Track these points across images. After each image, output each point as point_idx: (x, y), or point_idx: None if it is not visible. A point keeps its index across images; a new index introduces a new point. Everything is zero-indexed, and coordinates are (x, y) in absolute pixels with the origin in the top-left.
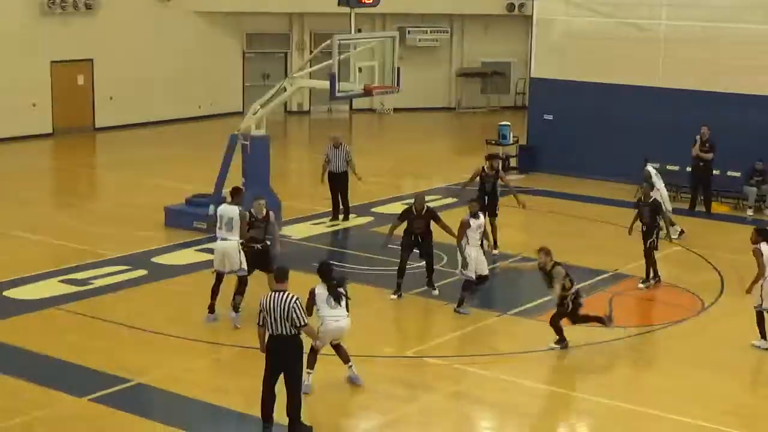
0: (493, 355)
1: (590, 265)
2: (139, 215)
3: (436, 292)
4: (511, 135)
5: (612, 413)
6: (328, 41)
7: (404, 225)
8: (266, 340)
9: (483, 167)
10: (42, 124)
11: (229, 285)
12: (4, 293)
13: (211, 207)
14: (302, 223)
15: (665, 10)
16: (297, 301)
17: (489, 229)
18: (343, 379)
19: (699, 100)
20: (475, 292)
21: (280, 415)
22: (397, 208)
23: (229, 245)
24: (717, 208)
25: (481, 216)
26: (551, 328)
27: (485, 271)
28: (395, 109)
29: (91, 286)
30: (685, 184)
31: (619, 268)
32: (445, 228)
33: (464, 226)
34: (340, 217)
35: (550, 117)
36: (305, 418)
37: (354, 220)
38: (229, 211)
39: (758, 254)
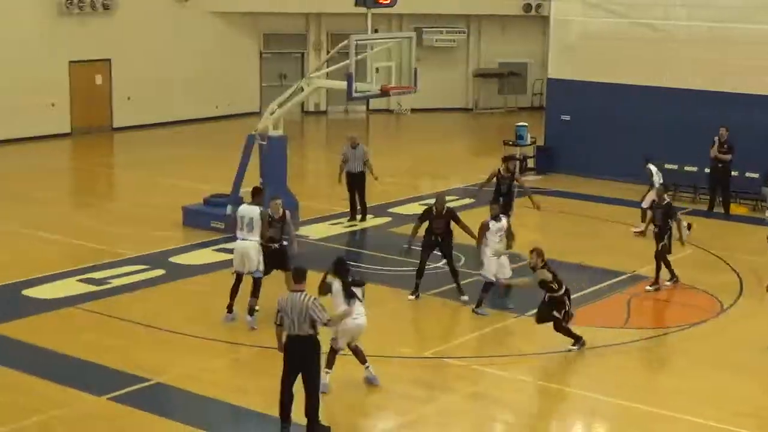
0: (511, 356)
1: (607, 266)
2: (156, 215)
3: (466, 297)
4: (528, 136)
5: (628, 415)
6: (345, 41)
7: (426, 225)
8: (284, 340)
9: (499, 169)
10: (60, 123)
11: (248, 285)
12: (23, 292)
13: (229, 207)
14: (320, 224)
15: (682, 11)
16: (315, 301)
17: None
18: (361, 379)
19: (716, 101)
20: (508, 294)
21: (298, 415)
22: (415, 208)
23: (249, 245)
24: (735, 209)
25: (503, 219)
26: (562, 335)
27: (507, 275)
28: (412, 110)
29: (108, 286)
30: (704, 186)
31: (637, 269)
32: (465, 229)
33: (484, 228)
34: (358, 217)
35: (568, 118)
36: (323, 418)
37: (371, 221)
38: (249, 211)
39: None
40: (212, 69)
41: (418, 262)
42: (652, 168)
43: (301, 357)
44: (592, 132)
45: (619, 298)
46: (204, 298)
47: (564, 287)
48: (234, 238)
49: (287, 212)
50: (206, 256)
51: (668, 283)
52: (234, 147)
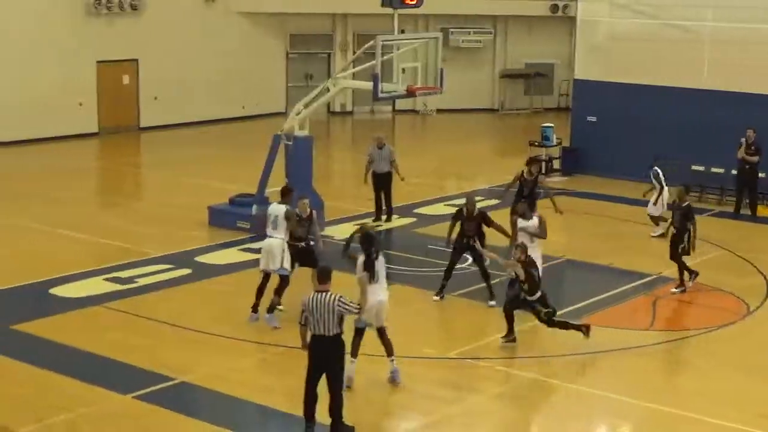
0: (536, 357)
1: (633, 267)
2: (182, 215)
3: (494, 302)
4: (555, 136)
5: (652, 416)
6: (372, 42)
7: (458, 227)
8: (308, 340)
9: (522, 171)
10: (88, 123)
11: (275, 285)
12: (50, 291)
13: (254, 207)
14: (345, 224)
15: (710, 12)
16: (341, 298)
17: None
18: (386, 379)
19: (744, 102)
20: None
21: (322, 415)
22: (440, 209)
23: (274, 242)
24: (762, 211)
25: (534, 218)
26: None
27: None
28: (438, 110)
29: (135, 285)
30: (730, 187)
31: (663, 271)
32: (499, 229)
33: (513, 225)
34: (383, 218)
35: (594, 119)
36: (347, 417)
37: (397, 221)
38: (277, 209)
39: None
40: (238, 69)
41: (448, 263)
42: (657, 169)
43: (326, 356)
44: (619, 133)
45: (645, 300)
46: (229, 297)
47: (538, 294)
48: (259, 238)
49: (314, 212)
50: (232, 255)
51: (690, 283)
52: (260, 147)
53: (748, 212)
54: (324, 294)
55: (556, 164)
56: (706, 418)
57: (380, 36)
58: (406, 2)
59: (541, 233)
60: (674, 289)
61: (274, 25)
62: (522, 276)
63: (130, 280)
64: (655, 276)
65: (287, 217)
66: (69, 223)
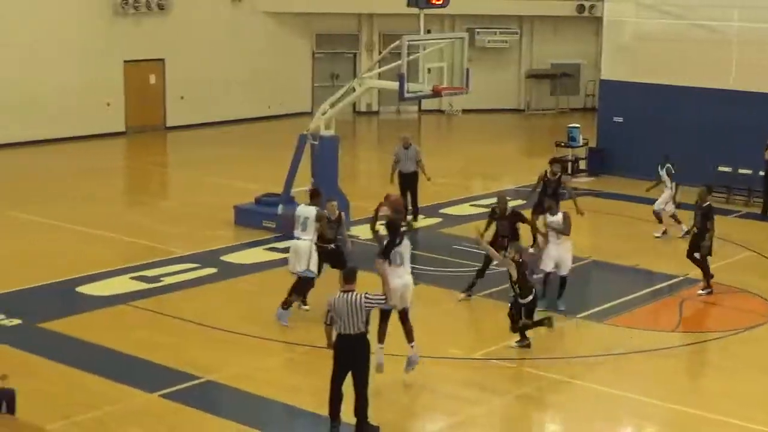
0: (561, 359)
1: (660, 269)
2: (208, 214)
3: (462, 296)
4: (581, 137)
5: (678, 418)
6: (397, 42)
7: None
8: (334, 339)
9: (546, 171)
10: (115, 122)
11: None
12: (77, 289)
13: (280, 207)
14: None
15: (737, 12)
16: (366, 294)
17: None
18: (410, 380)
19: None
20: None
21: (348, 414)
22: (466, 209)
23: (302, 244)
24: None
25: (559, 214)
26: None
27: (565, 271)
28: (464, 110)
29: (161, 284)
30: (758, 189)
31: (689, 272)
32: (534, 226)
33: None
34: (409, 218)
35: (620, 119)
36: (372, 417)
37: (423, 221)
38: (306, 211)
39: None
40: (265, 69)
41: (482, 263)
42: (671, 167)
43: (352, 356)
44: (645, 134)
45: (671, 301)
46: (255, 297)
47: (530, 298)
48: (284, 237)
49: (342, 213)
50: (257, 255)
51: (702, 292)
52: (285, 147)
53: None
54: (350, 294)
55: (582, 165)
56: (733, 420)
57: (406, 36)
58: (432, 2)
59: (564, 229)
60: (701, 291)
61: (300, 25)
62: (514, 276)
63: (156, 278)
64: (681, 278)
65: (318, 219)
66: (96, 221)
